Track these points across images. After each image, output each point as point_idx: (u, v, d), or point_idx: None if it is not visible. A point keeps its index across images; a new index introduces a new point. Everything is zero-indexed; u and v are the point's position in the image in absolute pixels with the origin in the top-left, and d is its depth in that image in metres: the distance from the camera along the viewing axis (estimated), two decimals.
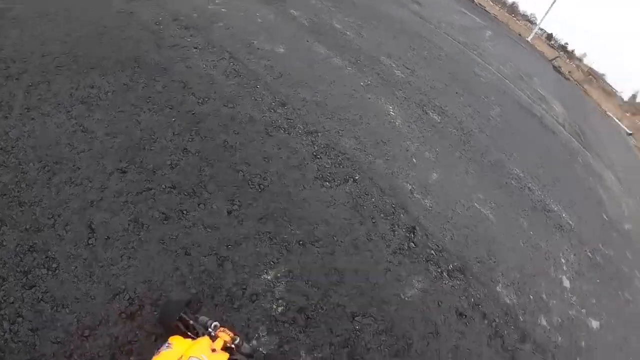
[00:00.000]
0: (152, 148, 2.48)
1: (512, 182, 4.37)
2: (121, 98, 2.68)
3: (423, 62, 6.45)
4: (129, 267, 1.98)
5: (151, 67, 3.09)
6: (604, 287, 4.19)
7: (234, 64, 3.58)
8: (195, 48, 3.60)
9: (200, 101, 2.94)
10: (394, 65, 5.41)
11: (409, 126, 3.98)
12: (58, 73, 2.72)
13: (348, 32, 5.86)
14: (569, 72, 30.56)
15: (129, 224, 2.13)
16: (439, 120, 4.53)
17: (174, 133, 2.59)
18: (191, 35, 3.78)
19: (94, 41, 3.17)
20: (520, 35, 30.86)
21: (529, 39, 30.00)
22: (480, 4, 34.58)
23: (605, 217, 5.98)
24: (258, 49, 4.07)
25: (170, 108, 2.76)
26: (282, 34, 4.70)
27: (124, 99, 2.68)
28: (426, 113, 4.51)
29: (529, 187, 4.53)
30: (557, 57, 31.30)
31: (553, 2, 30.73)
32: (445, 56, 7.64)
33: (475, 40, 11.78)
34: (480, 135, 4.95)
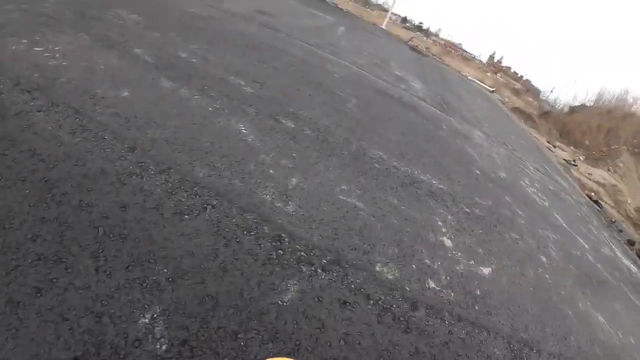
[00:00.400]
0: (11, 225, 2.34)
1: (376, 165, 4.52)
2: None
3: (274, 72, 6.53)
4: (15, 348, 1.90)
5: None
6: (488, 235, 4.43)
7: (79, 120, 3.42)
8: (40, 111, 3.39)
9: (51, 166, 2.79)
10: (242, 83, 5.42)
11: (262, 140, 3.99)
12: None
13: (194, 60, 5.79)
14: (426, 48, 32.53)
15: (5, 306, 2.02)
16: (293, 126, 4.58)
17: (29, 205, 2.44)
18: (34, 99, 3.56)
19: None
20: (374, 24, 32.32)
21: (383, 26, 31.52)
22: (332, 2, 35.81)
23: (477, 172, 6.39)
24: (102, 97, 3.91)
25: (22, 181, 2.59)
26: (126, 77, 4.53)
27: None
28: (279, 122, 4.54)
29: (394, 166, 4.71)
30: (413, 37, 33.27)
31: None
32: (297, 62, 7.79)
33: (328, 39, 12.15)
34: (337, 130, 5.07)
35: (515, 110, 21.73)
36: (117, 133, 3.38)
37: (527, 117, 20.92)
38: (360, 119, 5.99)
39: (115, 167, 2.95)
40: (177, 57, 5.73)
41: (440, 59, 30.35)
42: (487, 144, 8.60)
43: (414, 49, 26.31)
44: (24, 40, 4.92)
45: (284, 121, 4.63)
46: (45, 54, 4.67)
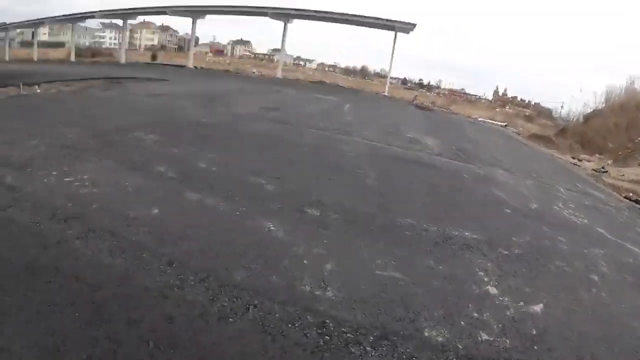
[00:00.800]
0: (65, 347, 2.46)
1: (406, 232, 4.59)
2: (25, 309, 2.69)
3: (291, 165, 6.83)
4: None
5: (43, 270, 3.12)
6: (533, 271, 4.36)
7: (116, 242, 3.64)
8: (78, 238, 3.65)
9: (96, 289, 2.97)
10: (263, 182, 5.68)
11: (291, 233, 4.15)
12: None
13: (214, 168, 6.13)
14: (432, 102, 33.16)
15: None
16: (319, 214, 4.73)
17: (80, 327, 2.59)
18: (71, 227, 3.84)
19: None
20: (377, 93, 33.29)
21: (385, 93, 32.42)
22: (331, 83, 37.08)
23: (508, 211, 6.35)
24: (135, 218, 4.17)
25: (71, 305, 2.77)
26: (153, 195, 4.84)
27: (29, 309, 2.69)
28: (305, 213, 4.72)
29: (424, 229, 4.76)
30: (416, 95, 34.08)
31: (393, 51, 33.90)
32: (311, 150, 8.13)
33: (336, 120, 12.65)
34: (362, 207, 5.20)
35: (532, 137, 21.61)
36: (154, 250, 3.57)
37: (545, 140, 20.71)
38: (383, 190, 6.13)
39: (157, 283, 3.11)
40: (198, 168, 6.08)
41: (447, 109, 30.82)
42: (512, 180, 8.60)
43: (419, 106, 26.88)
44: (54, 173, 5.39)
45: (309, 211, 4.80)
46: (76, 183, 5.06)
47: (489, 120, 26.55)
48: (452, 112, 28.84)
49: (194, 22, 41.45)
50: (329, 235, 4.24)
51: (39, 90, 13.96)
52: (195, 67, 41.80)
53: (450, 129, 17.14)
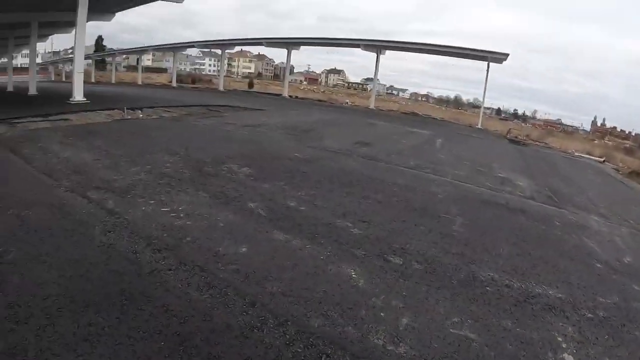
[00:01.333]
0: None
1: (487, 289, 4.56)
2: (116, 331, 3.05)
3: (378, 207, 7.01)
4: None
5: (136, 297, 3.52)
6: (616, 338, 4.12)
7: (205, 277, 4.01)
8: (170, 269, 4.07)
9: (182, 321, 3.29)
10: (349, 225, 5.92)
11: (372, 282, 4.31)
12: (60, 315, 3.15)
13: (303, 207, 6.47)
14: (526, 136, 31.88)
15: None
16: (401, 262, 4.85)
17: (165, 356, 2.89)
18: (165, 258, 4.29)
19: (83, 279, 3.70)
20: (470, 126, 32.66)
21: (479, 125, 31.74)
22: (424, 114, 36.89)
23: (598, 265, 6.04)
24: (224, 254, 4.55)
25: (158, 334, 3.09)
26: (243, 233, 5.25)
27: (119, 332, 3.05)
28: (388, 261, 4.86)
29: (506, 285, 4.70)
30: (510, 129, 32.96)
31: (486, 82, 33.27)
32: (400, 190, 8.27)
33: (427, 157, 12.66)
34: (445, 258, 5.23)
35: (632, 174, 20.12)
36: (239, 289, 3.89)
37: None
38: (468, 238, 6.11)
39: (239, 322, 3.38)
40: (287, 207, 6.44)
41: (542, 142, 29.51)
42: (606, 228, 8.17)
43: (513, 140, 26.05)
44: (151, 201, 6.04)
45: (392, 259, 4.95)
46: (171, 214, 5.61)
47: (586, 155, 25.08)
48: (547, 145, 27.56)
49: (288, 53, 43.10)
50: (408, 286, 4.35)
51: (141, 115, 15.23)
52: (290, 96, 43.42)
53: (544, 166, 16.48)
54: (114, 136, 10.74)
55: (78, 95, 18.38)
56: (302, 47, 44.35)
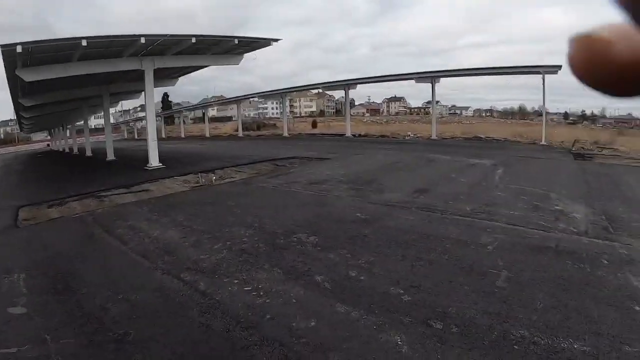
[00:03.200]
0: None
1: (515, 347, 5.20)
2: None
3: (429, 269, 7.84)
4: None
5: None
6: None
7: (284, 351, 5.11)
8: (256, 345, 5.28)
9: None
10: (401, 292, 6.82)
11: (414, 349, 5.16)
12: None
13: (362, 277, 7.44)
14: (594, 143, 30.68)
15: None
16: (441, 327, 5.65)
17: None
18: (251, 335, 5.54)
19: (192, 356, 5.07)
20: (535, 143, 32.16)
21: (542, 141, 31.25)
22: (487, 137, 36.84)
23: (637, 308, 6.21)
24: (297, 329, 5.67)
25: None
26: (312, 308, 6.31)
27: None
28: (430, 326, 5.69)
29: (533, 342, 5.29)
30: (575, 140, 32.05)
31: (543, 94, 32.95)
32: (451, 247, 9.01)
33: (483, 198, 13.15)
34: (482, 318, 5.91)
35: None
36: (308, 358, 4.97)
37: None
38: (508, 295, 6.69)
39: None
40: (349, 277, 7.41)
41: (609, 148, 28.58)
42: None
43: (578, 155, 25.57)
44: (235, 281, 7.21)
45: (434, 324, 5.78)
46: (253, 293, 6.84)
47: None
48: (614, 152, 26.70)
49: (346, 94, 44.94)
50: (444, 350, 5.17)
51: (215, 178, 16.81)
52: (354, 135, 44.69)
53: (606, 185, 16.29)
54: (193, 209, 12.31)
55: (154, 162, 20.62)
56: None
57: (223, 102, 74.31)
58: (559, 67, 31.36)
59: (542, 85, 32.48)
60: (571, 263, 8.22)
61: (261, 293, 6.84)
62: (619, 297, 6.70)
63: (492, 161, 22.36)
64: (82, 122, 43.62)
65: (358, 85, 45.63)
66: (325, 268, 7.82)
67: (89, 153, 33.98)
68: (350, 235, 9.80)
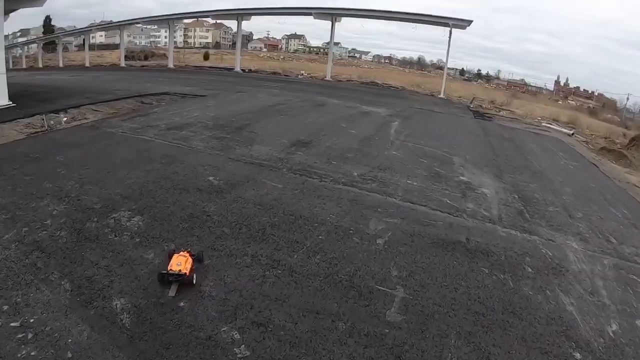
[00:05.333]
0: None
1: None
2: None
3: (289, 286, 5.14)
4: None
5: None
6: None
7: None
8: None
9: None
10: (237, 339, 4.08)
11: None
12: None
13: (182, 303, 4.63)
14: (491, 102, 30.30)
15: None
16: None
17: None
18: None
19: None
20: (433, 94, 31.04)
21: (441, 94, 30.11)
22: (384, 84, 35.11)
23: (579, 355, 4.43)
24: None
25: None
26: None
27: None
28: None
29: None
30: (474, 98, 31.35)
31: (448, 47, 31.35)
32: (326, 237, 6.50)
33: (376, 159, 10.57)
34: None
35: (603, 151, 18.77)
36: None
37: (617, 155, 17.90)
38: (409, 330, 4.52)
39: None
40: (161, 305, 4.59)
41: (507, 109, 27.93)
42: (587, 265, 6.62)
43: (477, 113, 24.23)
44: (5, 307, 4.37)
45: None
46: (19, 334, 3.94)
47: (554, 127, 23.57)
48: (513, 115, 25.88)
49: (239, 24, 40.82)
50: None
51: (65, 120, 13.74)
52: (243, 70, 40.87)
53: (511, 151, 14.78)
54: (9, 169, 8.59)
55: (2, 100, 16.18)
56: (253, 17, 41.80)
57: (105, 26, 64.98)
58: (469, 22, 30.15)
59: (447, 39, 31.15)
60: (488, 272, 6.03)
61: (29, 335, 3.75)
62: (553, 336, 4.71)
63: (388, 111, 20.07)
64: None
65: (253, 17, 41.62)
66: (135, 282, 4.96)
67: None
68: (189, 214, 6.83)
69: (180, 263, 4.80)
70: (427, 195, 8.68)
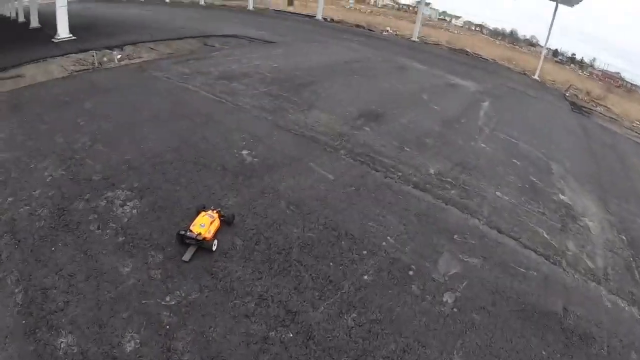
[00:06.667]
0: None
1: None
2: None
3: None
4: None
5: None
6: None
7: None
8: None
9: None
10: None
11: None
12: None
13: None
14: (587, 94, 26.56)
15: None
16: None
17: None
18: None
19: None
20: (525, 73, 27.67)
21: (536, 75, 26.67)
22: (474, 53, 31.83)
23: None
24: None
25: None
26: None
27: None
28: None
29: None
30: (570, 86, 27.57)
31: (551, 26, 27.60)
32: (374, 280, 4.53)
33: (460, 151, 8.90)
34: None
35: None
36: None
37: None
38: None
39: None
40: None
41: (604, 106, 24.31)
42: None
43: (575, 105, 20.96)
44: None
45: None
46: None
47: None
48: (611, 114, 22.25)
49: None
50: None
51: (118, 57, 12.37)
52: (325, 18, 38.15)
53: (617, 168, 11.57)
54: (31, 116, 7.28)
55: (63, 33, 15.43)
56: None
57: None
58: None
59: (551, 15, 27.12)
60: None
61: None
62: None
63: (477, 86, 17.23)
64: None
65: None
66: (90, 311, 3.69)
67: (22, 18, 26.18)
68: (197, 206, 5.12)
69: (204, 224, 4.32)
70: (520, 221, 6.52)
